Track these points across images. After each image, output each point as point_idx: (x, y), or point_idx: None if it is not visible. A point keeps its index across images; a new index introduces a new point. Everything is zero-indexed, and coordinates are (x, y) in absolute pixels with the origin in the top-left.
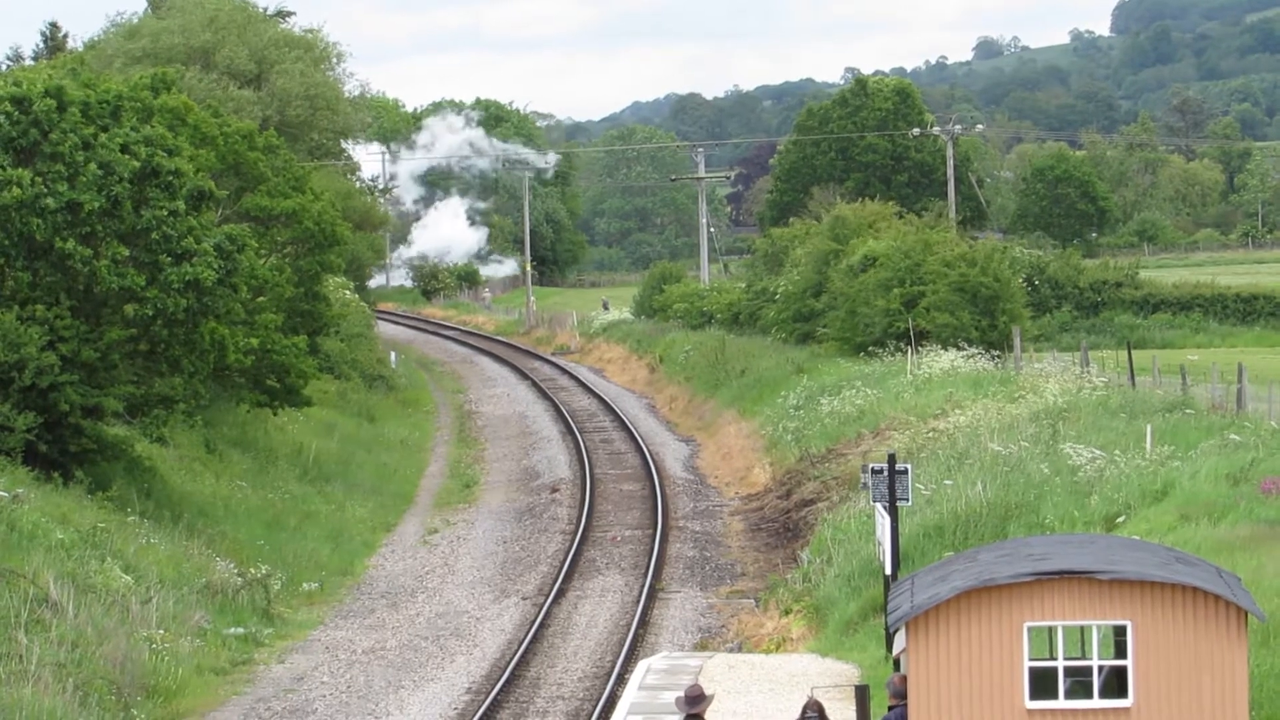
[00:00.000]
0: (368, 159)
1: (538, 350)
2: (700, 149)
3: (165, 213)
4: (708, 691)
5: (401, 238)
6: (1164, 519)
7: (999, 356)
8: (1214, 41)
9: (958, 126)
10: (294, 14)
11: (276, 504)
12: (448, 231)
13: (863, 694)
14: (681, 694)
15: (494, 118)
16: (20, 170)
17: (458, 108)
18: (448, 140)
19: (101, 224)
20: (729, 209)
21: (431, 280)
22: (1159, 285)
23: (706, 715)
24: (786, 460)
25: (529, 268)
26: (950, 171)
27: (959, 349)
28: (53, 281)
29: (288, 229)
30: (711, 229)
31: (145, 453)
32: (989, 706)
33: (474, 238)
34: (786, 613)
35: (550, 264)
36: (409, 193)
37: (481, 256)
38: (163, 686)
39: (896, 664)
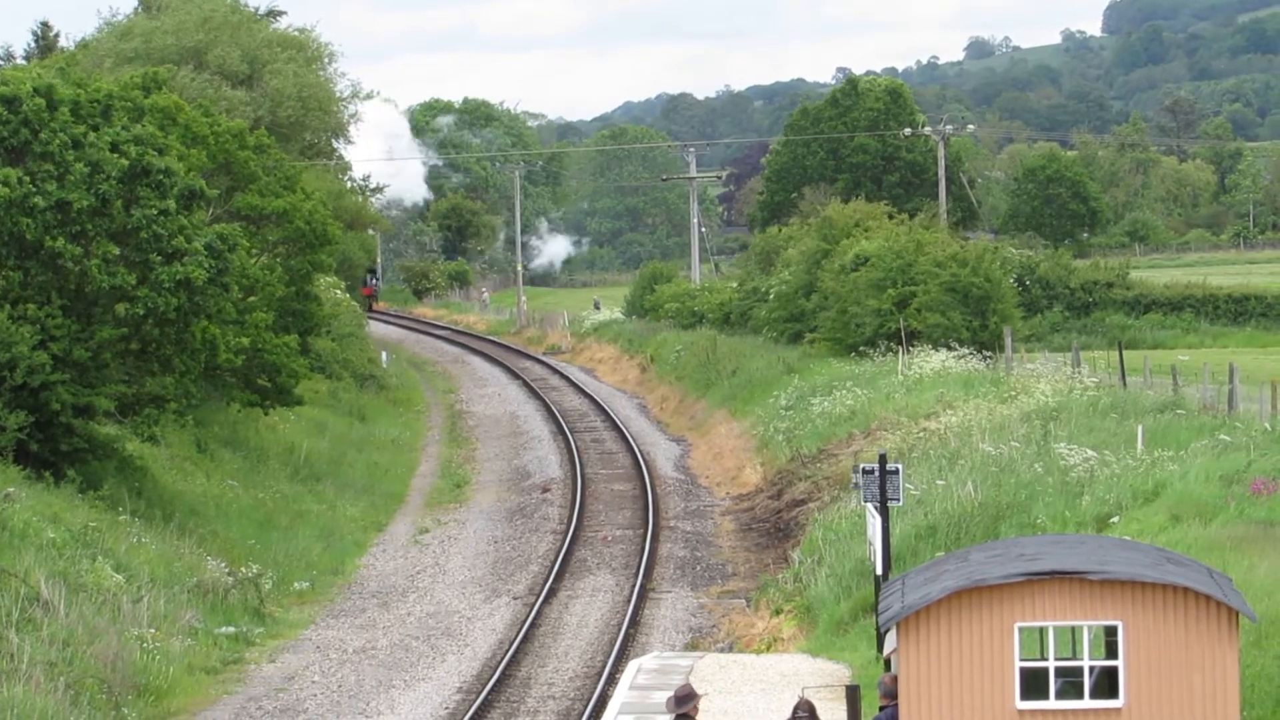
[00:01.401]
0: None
1: (529, 350)
2: (692, 149)
3: (156, 212)
4: (697, 690)
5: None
6: (1155, 519)
7: (990, 357)
8: (1205, 42)
9: (949, 126)
10: (285, 13)
11: (268, 503)
12: (557, 249)
13: (854, 694)
14: (670, 694)
15: (483, 117)
16: (9, 170)
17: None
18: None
19: (92, 223)
20: (720, 209)
21: (423, 280)
22: (1150, 285)
23: (697, 715)
24: (778, 460)
25: (520, 267)
26: (941, 171)
27: (950, 349)
28: (44, 281)
29: (279, 228)
30: (703, 229)
31: (136, 452)
32: (980, 707)
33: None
34: (777, 613)
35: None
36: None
37: (589, 264)
38: (154, 685)
39: (887, 664)
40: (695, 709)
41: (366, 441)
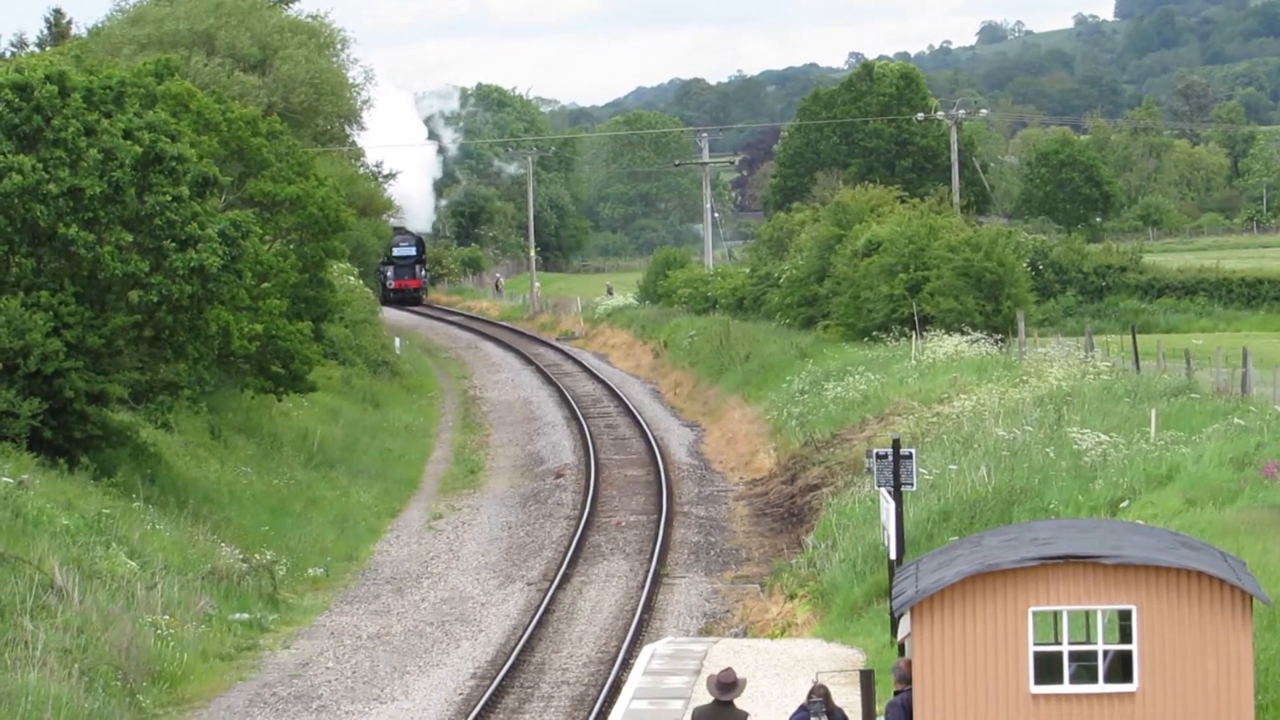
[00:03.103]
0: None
1: (542, 336)
2: (704, 134)
3: (169, 199)
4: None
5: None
6: (1169, 503)
7: (1003, 341)
8: (1218, 25)
9: (961, 111)
10: None
11: (281, 490)
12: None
13: (868, 678)
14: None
15: (496, 103)
16: (22, 157)
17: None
18: None
19: (104, 210)
20: (733, 194)
21: (435, 266)
22: (1163, 269)
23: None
24: (791, 445)
25: (533, 253)
26: (954, 156)
27: (963, 334)
28: (57, 268)
29: (292, 215)
30: (716, 214)
31: (150, 439)
32: (994, 691)
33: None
34: (791, 597)
35: (554, 249)
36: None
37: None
38: (168, 672)
39: (901, 649)
40: (736, 697)
41: (380, 428)
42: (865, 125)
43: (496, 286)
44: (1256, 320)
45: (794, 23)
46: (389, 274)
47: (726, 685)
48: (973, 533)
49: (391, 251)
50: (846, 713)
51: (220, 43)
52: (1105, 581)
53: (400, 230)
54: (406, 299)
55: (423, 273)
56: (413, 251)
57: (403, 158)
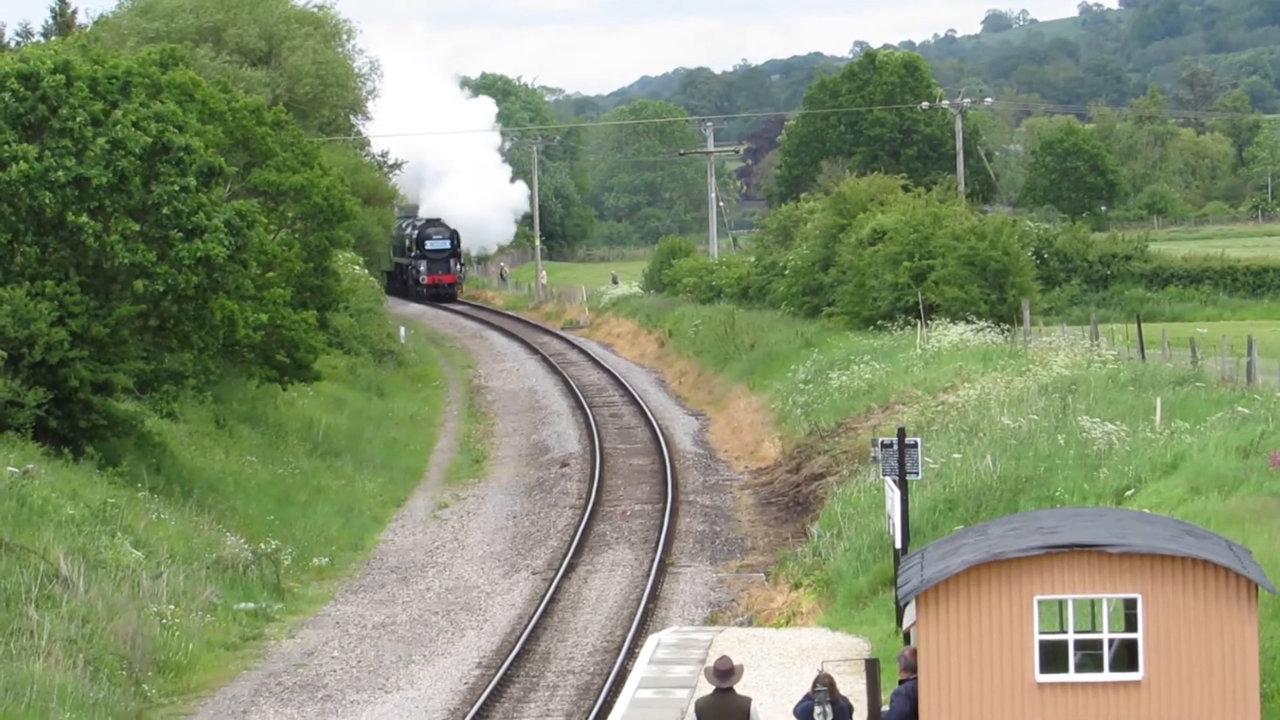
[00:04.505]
0: None
1: (547, 325)
2: (709, 123)
3: (176, 189)
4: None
5: None
6: (1174, 492)
7: (1008, 330)
8: (1223, 14)
9: (966, 100)
10: None
11: (286, 479)
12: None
13: (873, 667)
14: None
15: (501, 93)
16: (27, 145)
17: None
18: None
19: (110, 199)
20: (738, 183)
21: None
22: (1169, 258)
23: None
24: (796, 434)
25: (538, 242)
26: (959, 145)
27: (968, 322)
28: (62, 257)
29: (297, 204)
30: (720, 203)
31: (155, 428)
32: (999, 679)
33: None
34: (796, 587)
35: (560, 239)
36: None
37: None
38: (173, 662)
39: (907, 637)
40: (735, 683)
41: (385, 417)
42: (869, 114)
43: (501, 276)
44: (1261, 309)
45: (798, 12)
46: (422, 268)
47: (724, 672)
48: (978, 521)
49: (424, 245)
50: (851, 701)
51: (229, 36)
52: (1110, 570)
53: (434, 223)
54: (441, 294)
55: (458, 267)
56: (447, 245)
57: (471, 169)
